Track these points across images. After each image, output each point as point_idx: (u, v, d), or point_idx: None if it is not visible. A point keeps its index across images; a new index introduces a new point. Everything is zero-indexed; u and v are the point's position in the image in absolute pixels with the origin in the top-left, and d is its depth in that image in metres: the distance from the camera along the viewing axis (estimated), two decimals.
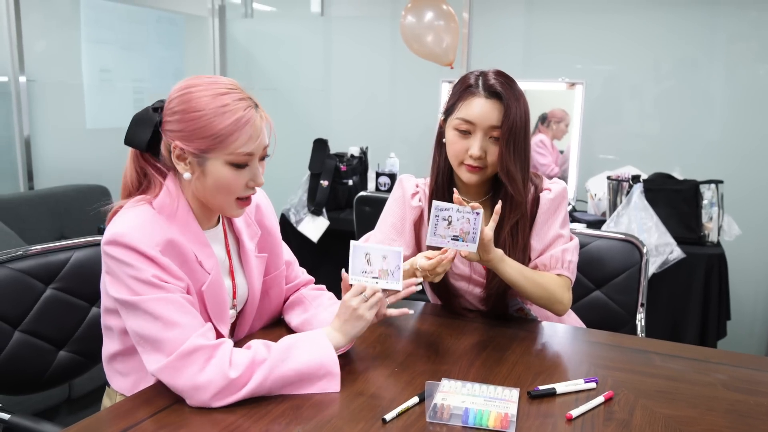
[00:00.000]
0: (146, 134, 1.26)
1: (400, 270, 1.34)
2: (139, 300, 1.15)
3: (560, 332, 1.60)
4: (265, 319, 1.53)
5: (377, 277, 1.33)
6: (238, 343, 1.26)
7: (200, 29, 4.28)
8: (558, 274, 1.58)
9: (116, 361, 1.32)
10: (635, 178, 2.75)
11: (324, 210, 3.30)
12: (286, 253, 1.57)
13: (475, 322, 1.62)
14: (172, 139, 1.23)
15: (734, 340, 2.93)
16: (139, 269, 1.16)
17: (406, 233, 1.67)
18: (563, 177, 3.43)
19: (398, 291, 1.34)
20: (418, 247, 1.69)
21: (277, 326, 1.53)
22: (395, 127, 3.88)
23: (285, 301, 1.57)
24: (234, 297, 1.39)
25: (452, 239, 1.40)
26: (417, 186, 1.69)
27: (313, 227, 3.24)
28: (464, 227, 1.40)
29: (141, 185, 1.31)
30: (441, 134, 1.64)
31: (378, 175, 3.37)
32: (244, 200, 1.29)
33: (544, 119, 3.40)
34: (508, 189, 1.55)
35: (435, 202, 1.40)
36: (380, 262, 1.34)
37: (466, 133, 1.54)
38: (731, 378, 1.33)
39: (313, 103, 4.06)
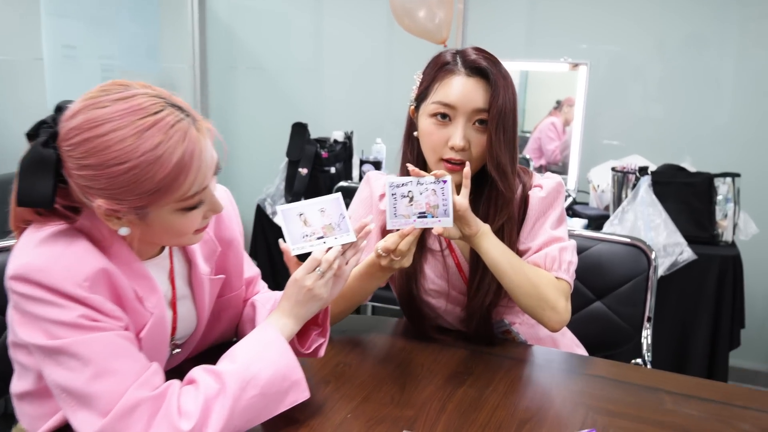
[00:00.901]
0: (47, 185, 0.91)
1: (346, 218, 1.12)
2: (61, 345, 0.89)
3: (554, 361, 1.35)
4: (209, 343, 1.28)
5: (323, 236, 1.10)
6: (176, 372, 1.03)
7: (178, 3, 3.99)
8: (555, 278, 1.32)
9: (25, 402, 1.05)
10: (642, 170, 2.49)
11: (302, 200, 3.05)
12: (249, 269, 1.32)
13: (453, 347, 1.37)
14: (91, 197, 0.92)
15: (748, 350, 2.68)
16: (60, 310, 0.89)
17: (372, 241, 1.41)
18: (563, 165, 3.16)
19: (353, 242, 1.12)
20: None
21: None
22: (384, 110, 3.61)
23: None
24: (173, 333, 1.15)
25: (419, 217, 1.17)
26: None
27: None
28: (431, 200, 1.17)
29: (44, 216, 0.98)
30: (411, 126, 1.38)
31: (362, 162, 3.11)
32: (202, 229, 1.04)
33: (558, 104, 3.15)
34: (497, 186, 1.29)
35: (388, 180, 1.17)
36: (319, 217, 1.11)
37: (444, 120, 1.28)
38: (759, 429, 1.09)
39: (299, 83, 3.78)
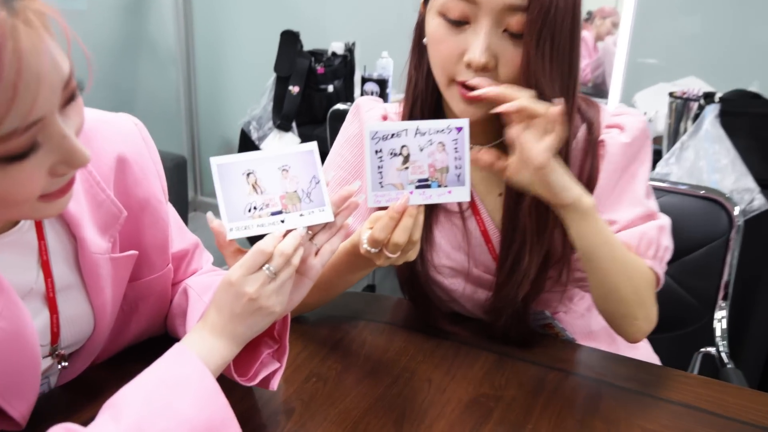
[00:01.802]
0: None
1: (321, 183, 0.70)
2: None
3: (620, 375, 0.95)
4: (125, 344, 0.90)
5: (280, 211, 0.69)
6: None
7: None
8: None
9: None
10: (708, 97, 2.01)
11: (294, 124, 2.59)
12: (180, 239, 0.91)
13: (474, 349, 0.98)
14: None
15: None
16: None
17: (361, 212, 1.00)
18: (594, 87, 2.68)
19: (329, 222, 0.71)
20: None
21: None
22: (393, 17, 3.07)
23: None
24: (54, 340, 0.75)
25: (418, 186, 0.74)
26: (385, 118, 1.00)
27: (280, 146, 2.56)
28: (437, 160, 0.73)
29: None
30: (420, 31, 0.93)
31: (364, 80, 2.63)
32: (57, 192, 0.61)
33: (589, 15, 2.62)
34: None
35: (368, 127, 0.72)
36: (278, 180, 0.70)
37: (459, 25, 0.83)
38: None
39: None
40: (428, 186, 0.73)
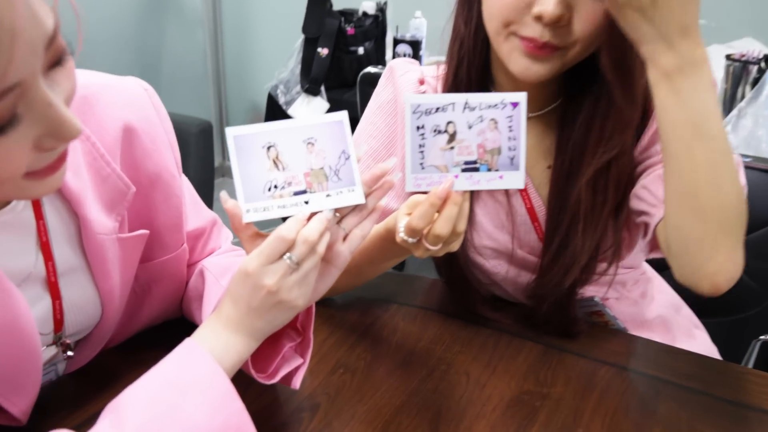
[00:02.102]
0: None
1: (351, 158, 0.61)
2: None
3: (676, 373, 0.86)
4: (138, 328, 0.84)
5: (304, 191, 0.61)
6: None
7: None
8: None
9: None
10: None
11: (322, 88, 2.49)
12: (196, 216, 0.83)
13: (515, 339, 0.89)
14: None
15: None
16: None
17: (397, 190, 0.91)
18: None
19: (360, 204, 0.62)
20: None
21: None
22: None
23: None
24: (58, 328, 0.69)
25: (465, 170, 0.64)
26: (422, 82, 0.90)
27: (308, 111, 2.46)
28: (488, 139, 0.62)
29: None
30: None
31: (396, 42, 2.50)
32: (47, 169, 0.52)
33: None
34: (612, 96, 0.77)
35: (411, 98, 0.62)
36: (303, 154, 0.61)
37: None
38: None
39: None
40: (476, 169, 0.63)
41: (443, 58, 0.88)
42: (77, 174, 0.65)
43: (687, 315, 1.04)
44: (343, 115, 0.61)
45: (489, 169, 0.62)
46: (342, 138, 0.61)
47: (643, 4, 0.62)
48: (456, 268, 0.91)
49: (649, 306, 0.98)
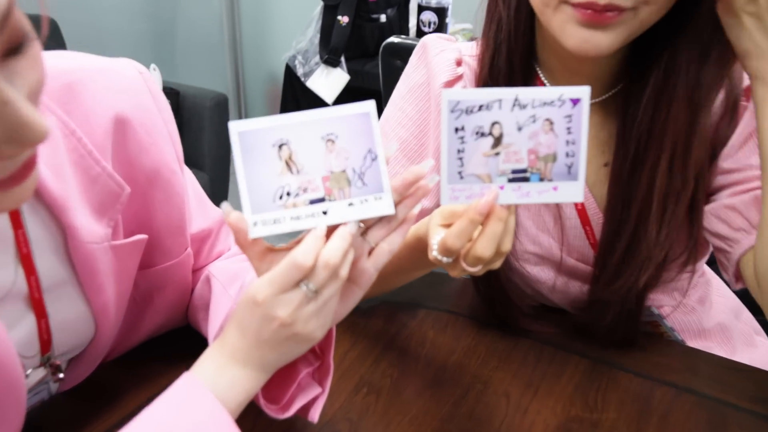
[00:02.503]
0: None
1: (380, 160, 0.51)
2: None
3: (744, 395, 0.75)
4: (140, 339, 0.75)
5: (322, 198, 0.51)
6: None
7: None
8: None
9: None
10: None
11: (342, 59, 2.38)
12: (201, 217, 0.74)
13: (558, 354, 0.79)
14: None
15: None
16: None
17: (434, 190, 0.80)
18: None
19: (389, 215, 0.53)
20: None
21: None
22: None
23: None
24: (46, 349, 0.61)
25: (512, 180, 0.53)
26: (459, 62, 0.78)
27: (327, 83, 2.35)
28: (541, 143, 0.52)
29: None
30: None
31: (420, 8, 2.37)
32: (10, 179, 0.41)
33: None
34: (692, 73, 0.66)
35: (449, 94, 0.51)
36: (322, 153, 0.51)
37: None
38: None
39: None
40: (526, 179, 0.52)
41: (471, 26, 0.76)
42: (60, 175, 0.56)
43: (747, 320, 0.94)
44: (370, 106, 0.51)
45: (541, 179, 0.52)
46: (368, 134, 0.51)
47: (763, 9, 0.51)
48: (495, 282, 0.81)
49: (708, 313, 0.88)
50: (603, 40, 0.62)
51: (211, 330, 0.67)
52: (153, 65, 2.18)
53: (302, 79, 2.43)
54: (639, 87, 0.69)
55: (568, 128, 0.50)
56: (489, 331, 0.83)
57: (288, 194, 0.51)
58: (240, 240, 0.51)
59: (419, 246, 0.64)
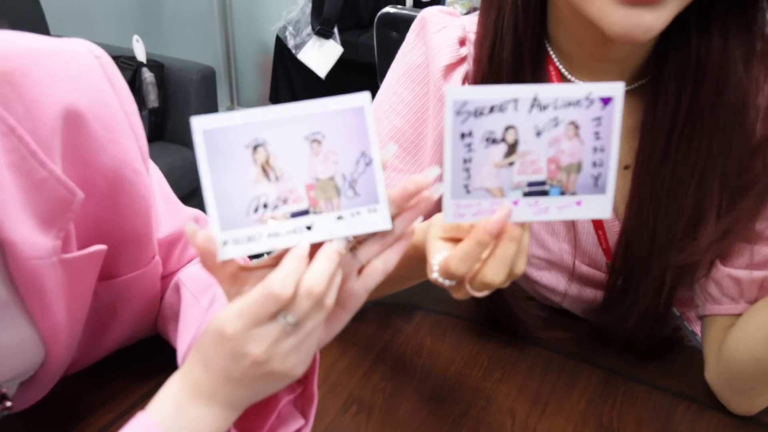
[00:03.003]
0: None
1: (375, 164, 0.43)
2: None
3: None
4: (104, 353, 0.68)
5: (306, 211, 0.43)
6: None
7: None
8: None
9: None
10: None
11: (335, 30, 2.27)
12: (170, 219, 0.66)
13: (568, 363, 0.73)
14: None
15: None
16: None
17: (426, 155, 0.72)
18: None
19: (385, 230, 0.44)
20: None
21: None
22: None
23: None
24: None
25: (528, 194, 0.44)
26: (462, 41, 0.69)
27: (320, 56, 2.25)
28: (565, 149, 0.42)
29: None
30: None
31: None
32: None
33: None
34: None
35: (453, 93, 0.41)
36: (305, 158, 0.43)
37: None
38: None
39: None
40: (544, 193, 0.44)
41: None
42: None
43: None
44: (364, 99, 0.43)
45: (563, 193, 0.43)
46: (362, 133, 0.43)
47: None
48: (499, 299, 0.72)
49: None
50: (654, 21, 0.52)
51: (180, 347, 0.59)
52: (136, 36, 2.07)
53: (293, 50, 2.32)
54: (674, 71, 0.60)
55: (597, 133, 0.41)
56: (491, 337, 0.76)
57: (265, 206, 0.43)
58: (208, 263, 0.43)
59: (416, 254, 0.56)
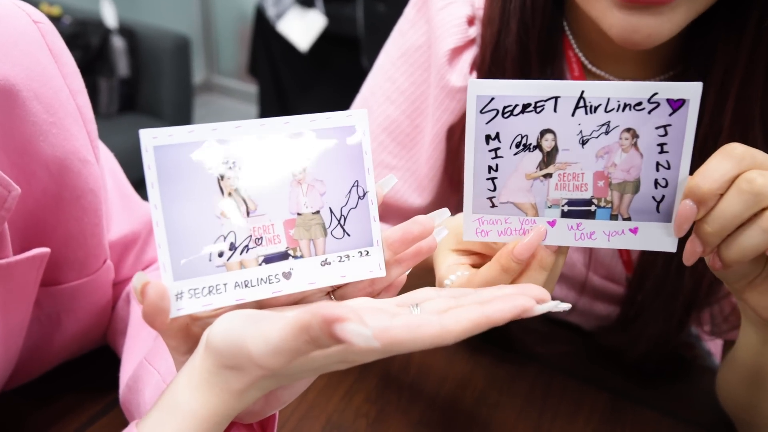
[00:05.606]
0: None
1: (369, 198, 0.35)
2: None
3: None
4: (48, 366, 0.59)
5: (285, 254, 0.35)
6: None
7: None
8: None
9: None
10: None
11: (319, 0, 2.15)
12: (126, 218, 0.57)
13: (570, 384, 0.66)
14: None
15: None
16: None
17: (423, 151, 0.63)
18: None
19: (379, 277, 0.37)
20: (456, 206, 0.66)
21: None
22: None
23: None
24: None
25: (568, 213, 0.36)
26: (471, 20, 0.60)
27: (301, 28, 2.13)
28: (619, 161, 0.34)
29: None
30: None
31: None
32: None
33: None
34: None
35: (475, 86, 0.33)
36: (286, 188, 0.35)
37: None
38: None
39: None
40: (589, 214, 0.36)
41: None
42: None
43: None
44: (360, 117, 0.35)
45: (613, 216, 0.35)
46: (355, 159, 0.35)
47: None
48: None
49: None
50: (658, 28, 0.46)
51: (124, 373, 0.51)
52: None
53: (273, 23, 2.20)
54: (705, 65, 0.53)
55: (662, 145, 0.33)
56: (487, 352, 0.69)
57: (232, 248, 0.34)
58: (155, 324, 0.33)
59: (421, 264, 0.48)
